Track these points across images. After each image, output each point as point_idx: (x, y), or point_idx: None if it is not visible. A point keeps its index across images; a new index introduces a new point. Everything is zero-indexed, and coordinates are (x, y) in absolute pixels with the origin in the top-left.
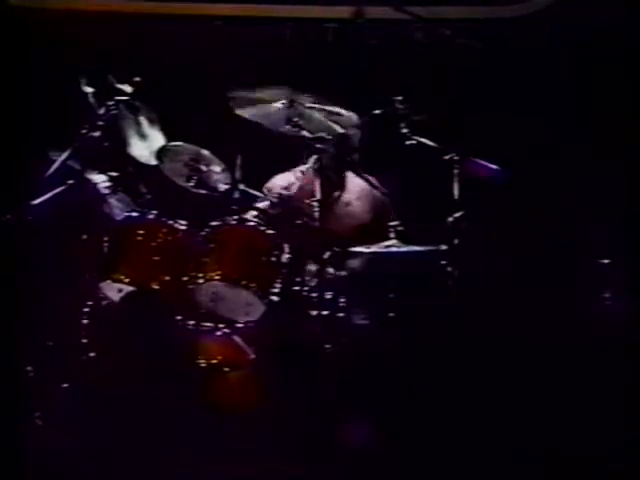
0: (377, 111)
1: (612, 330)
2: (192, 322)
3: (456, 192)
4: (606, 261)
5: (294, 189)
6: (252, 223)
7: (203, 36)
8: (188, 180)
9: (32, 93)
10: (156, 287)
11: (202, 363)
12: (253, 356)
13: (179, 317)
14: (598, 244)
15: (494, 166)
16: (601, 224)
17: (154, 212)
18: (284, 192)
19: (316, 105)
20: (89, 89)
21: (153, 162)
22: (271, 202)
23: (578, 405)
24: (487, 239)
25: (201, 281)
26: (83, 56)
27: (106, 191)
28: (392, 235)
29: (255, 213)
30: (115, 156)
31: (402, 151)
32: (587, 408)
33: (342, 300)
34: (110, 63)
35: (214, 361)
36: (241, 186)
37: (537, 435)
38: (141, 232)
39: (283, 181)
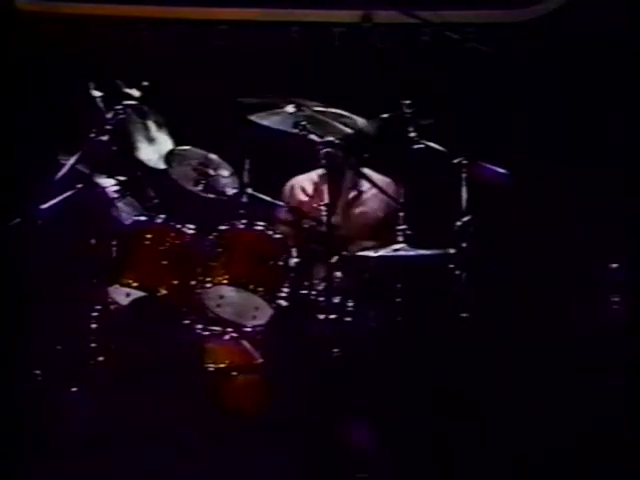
0: (385, 115)
1: (615, 334)
2: (200, 326)
3: (464, 196)
4: (615, 265)
5: (302, 193)
6: (260, 227)
7: (211, 40)
8: (196, 184)
9: (40, 97)
10: (164, 291)
11: (210, 367)
12: (261, 360)
13: (187, 321)
14: (606, 248)
15: (502, 170)
16: (609, 228)
17: (162, 216)
18: (292, 196)
19: (324, 109)
20: (97, 93)
21: (161, 166)
22: (279, 206)
23: (580, 407)
24: (495, 243)
25: (209, 285)
26: (91, 60)
27: (114, 195)
28: (400, 239)
29: (263, 217)
30: (123, 160)
31: (410, 155)
32: (588, 410)
33: (350, 304)
34: (118, 67)
35: (222, 365)
36: (249, 190)
37: (537, 436)
38: (149, 236)
39: (291, 185)
